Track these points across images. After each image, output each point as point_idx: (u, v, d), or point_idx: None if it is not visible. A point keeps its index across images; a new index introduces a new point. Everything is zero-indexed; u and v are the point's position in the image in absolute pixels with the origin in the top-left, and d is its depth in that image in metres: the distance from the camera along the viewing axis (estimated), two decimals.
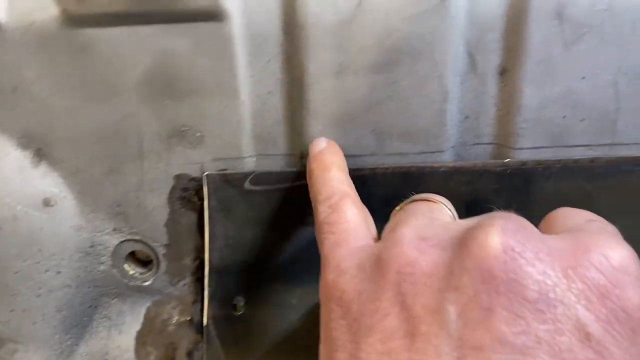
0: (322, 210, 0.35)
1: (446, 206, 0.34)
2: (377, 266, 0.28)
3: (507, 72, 0.41)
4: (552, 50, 0.40)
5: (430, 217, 0.32)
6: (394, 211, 0.36)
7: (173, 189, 0.44)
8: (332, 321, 0.29)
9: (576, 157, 0.42)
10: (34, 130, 0.42)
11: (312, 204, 0.37)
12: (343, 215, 0.34)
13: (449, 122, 0.42)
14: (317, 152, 0.40)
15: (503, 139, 0.43)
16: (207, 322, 0.45)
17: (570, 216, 0.31)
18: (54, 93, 0.41)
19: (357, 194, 0.37)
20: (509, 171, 0.42)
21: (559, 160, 0.42)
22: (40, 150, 0.43)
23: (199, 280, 0.47)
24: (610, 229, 0.30)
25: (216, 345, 0.45)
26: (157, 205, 0.44)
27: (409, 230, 0.29)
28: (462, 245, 0.26)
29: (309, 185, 0.39)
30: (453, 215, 0.34)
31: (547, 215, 0.33)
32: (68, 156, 0.43)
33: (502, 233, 0.26)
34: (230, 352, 0.45)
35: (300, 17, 0.39)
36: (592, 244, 0.26)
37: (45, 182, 0.43)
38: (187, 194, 0.44)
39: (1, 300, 0.45)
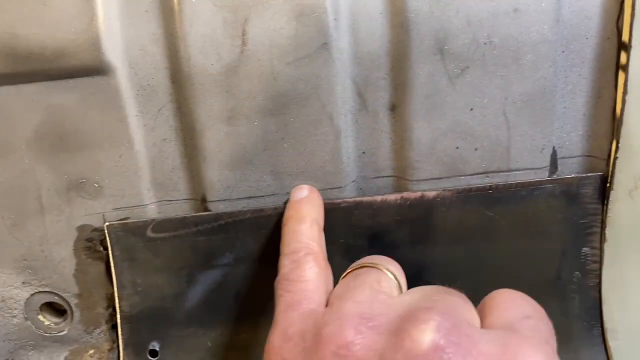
0: (285, 264, 0.36)
1: (395, 275, 0.35)
2: (316, 340, 0.29)
3: (397, 107, 0.42)
4: (437, 84, 0.41)
5: (377, 290, 0.32)
6: (344, 274, 0.36)
7: (77, 240, 0.44)
8: None
9: (474, 186, 0.43)
10: None
11: (280, 253, 0.38)
12: (303, 274, 0.35)
13: (346, 159, 0.43)
14: (295, 201, 0.40)
15: (401, 172, 0.44)
16: None
17: (509, 307, 0.32)
18: None
19: (324, 250, 0.38)
20: (408, 203, 0.43)
21: (457, 190, 0.43)
22: None
23: (114, 327, 0.47)
24: (545, 329, 0.31)
25: None
26: (63, 256, 0.45)
27: (352, 304, 0.30)
28: (397, 336, 0.27)
29: (281, 234, 0.39)
30: (400, 286, 0.35)
31: (490, 297, 0.34)
32: None
33: (436, 331, 0.27)
34: None
35: (185, 68, 0.40)
36: (519, 353, 0.26)
37: None
38: (92, 244, 0.45)
39: None
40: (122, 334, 0.45)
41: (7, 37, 0.38)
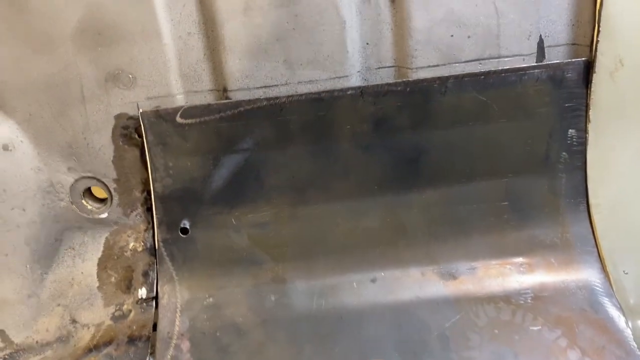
0: None
1: None
2: None
3: None
4: None
5: None
6: None
7: (115, 127, 0.50)
8: None
9: (468, 72, 0.47)
10: None
11: None
12: None
13: (351, 49, 0.48)
14: None
15: (401, 61, 0.48)
16: (158, 245, 0.51)
17: None
18: (1, 48, 0.48)
19: None
20: (408, 89, 0.47)
21: (454, 76, 0.47)
22: None
23: (149, 209, 0.53)
24: None
25: (167, 264, 0.52)
26: (103, 143, 0.51)
27: None
28: None
29: None
30: None
31: None
32: (21, 104, 0.50)
33: None
34: (181, 270, 0.52)
35: None
36: None
37: (3, 129, 0.50)
38: (128, 131, 0.50)
39: None
40: (156, 214, 0.51)
41: None
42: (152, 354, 0.49)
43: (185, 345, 0.49)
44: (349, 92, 0.48)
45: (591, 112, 0.48)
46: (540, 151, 0.49)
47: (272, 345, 0.48)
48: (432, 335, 0.47)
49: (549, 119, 0.48)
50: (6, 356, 0.51)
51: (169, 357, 0.48)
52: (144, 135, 0.50)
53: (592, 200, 0.50)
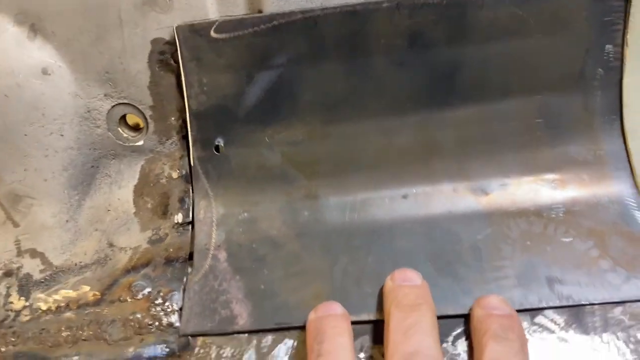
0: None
1: None
2: None
3: None
4: None
5: None
6: None
7: (151, 52, 0.51)
8: None
9: None
10: (26, 7, 0.50)
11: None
12: None
13: None
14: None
15: None
16: (194, 162, 0.53)
17: None
18: None
19: None
20: (445, 2, 0.48)
21: None
22: (34, 25, 0.50)
23: (184, 137, 0.54)
24: None
25: (203, 182, 0.53)
26: (139, 69, 0.52)
27: None
28: None
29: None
30: None
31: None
32: (59, 29, 0.51)
33: None
34: (215, 187, 0.53)
35: None
36: None
37: (42, 53, 0.51)
38: (164, 57, 0.52)
39: (16, 161, 0.53)
40: (190, 130, 0.52)
41: None
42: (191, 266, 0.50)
43: (223, 255, 0.50)
44: (384, 5, 0.48)
45: (629, 36, 0.49)
46: (576, 67, 0.50)
47: (308, 256, 0.49)
48: (464, 247, 0.48)
49: (586, 33, 0.49)
50: (47, 277, 0.52)
51: (207, 266, 0.50)
52: (179, 50, 0.51)
53: (627, 125, 0.51)
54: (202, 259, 0.50)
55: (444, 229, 0.50)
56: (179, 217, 0.54)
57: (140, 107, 0.54)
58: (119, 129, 0.55)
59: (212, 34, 0.49)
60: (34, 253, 0.54)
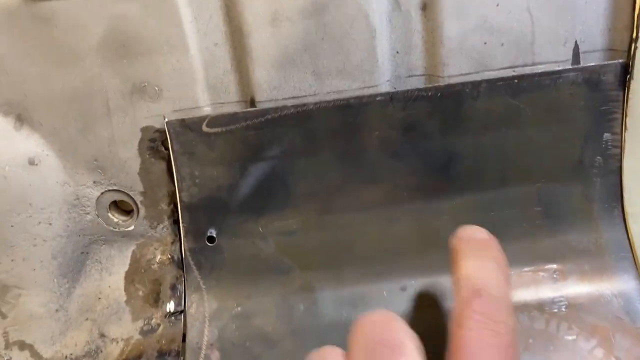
0: None
1: None
2: None
3: (428, 6, 0.46)
4: None
5: None
6: None
7: (141, 140, 0.50)
8: None
9: (500, 76, 0.47)
10: (12, 98, 0.49)
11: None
12: None
13: (381, 58, 0.47)
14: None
15: (433, 70, 0.48)
16: (185, 254, 0.52)
17: None
18: (26, 63, 0.48)
19: None
20: (439, 94, 0.47)
21: (486, 80, 0.47)
22: (21, 115, 0.49)
23: (176, 222, 0.53)
24: None
25: (194, 274, 0.52)
26: (129, 156, 0.51)
27: None
28: None
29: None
30: None
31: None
32: (46, 118, 0.49)
33: None
34: (208, 279, 0.52)
35: None
36: None
37: (29, 143, 0.50)
38: (154, 144, 0.50)
39: (2, 252, 0.52)
40: (182, 222, 0.51)
41: None
42: None
43: (215, 355, 0.49)
44: (378, 98, 0.48)
45: (628, 120, 0.48)
46: (574, 155, 0.49)
47: (302, 355, 0.48)
48: None
49: (583, 122, 0.48)
50: None
51: None
52: (169, 144, 0.49)
53: (628, 209, 0.50)
54: (194, 359, 0.49)
55: (443, 326, 0.49)
56: (170, 306, 0.53)
57: (130, 193, 0.53)
58: (109, 214, 0.54)
59: (204, 128, 0.48)
60: (22, 345, 0.53)
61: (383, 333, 0.33)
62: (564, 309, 0.49)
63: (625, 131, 0.49)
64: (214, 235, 0.52)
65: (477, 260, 0.36)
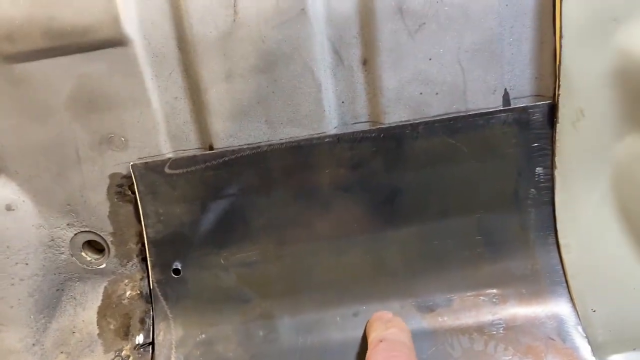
0: None
1: None
2: None
3: (368, 61, 0.51)
4: (399, 39, 0.50)
5: None
6: None
7: (110, 186, 0.54)
8: None
9: (437, 118, 0.51)
10: None
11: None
12: None
13: (328, 108, 0.52)
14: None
15: (375, 117, 0.53)
16: (153, 285, 0.56)
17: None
18: (2, 117, 0.52)
19: None
20: (382, 135, 0.52)
21: (424, 122, 0.52)
22: None
23: (144, 259, 0.58)
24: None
25: (162, 304, 0.56)
26: (99, 200, 0.55)
27: None
28: None
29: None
30: None
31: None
32: (21, 167, 0.54)
33: None
34: (174, 309, 0.56)
35: (189, 36, 0.49)
36: None
37: (6, 190, 0.54)
38: (122, 189, 0.55)
39: None
40: (149, 256, 0.55)
41: (46, 19, 0.48)
42: None
43: None
44: (326, 140, 0.52)
45: (557, 159, 0.53)
46: (510, 188, 0.54)
47: None
48: None
49: (517, 158, 0.53)
50: None
51: None
52: (135, 185, 0.54)
53: (561, 241, 0.54)
54: None
55: None
56: (140, 338, 0.57)
57: (101, 233, 0.57)
58: (83, 253, 0.58)
59: (167, 170, 0.53)
60: None
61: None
62: (501, 331, 0.54)
63: (554, 169, 0.53)
64: (179, 268, 0.56)
65: (382, 326, 0.51)
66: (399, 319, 0.52)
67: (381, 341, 0.47)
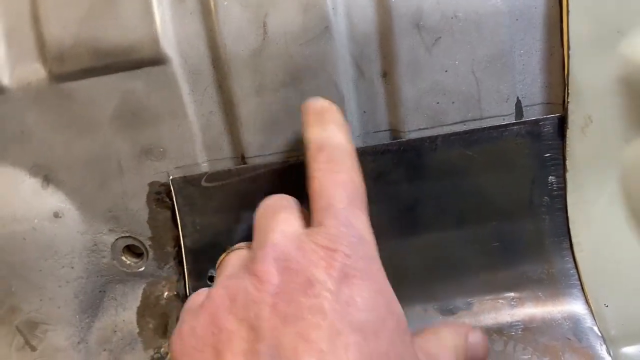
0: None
1: None
2: None
3: (388, 74, 0.55)
4: (417, 53, 0.53)
5: None
6: None
7: (149, 193, 0.59)
8: None
9: (454, 131, 0.55)
10: (40, 161, 0.58)
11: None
12: None
13: (351, 118, 0.56)
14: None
15: (395, 125, 0.56)
16: (189, 292, 0.60)
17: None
18: (51, 132, 0.57)
19: None
20: (402, 148, 0.55)
21: (442, 135, 0.55)
22: (47, 176, 0.59)
23: (180, 263, 0.62)
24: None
25: None
26: (139, 207, 0.60)
27: None
28: None
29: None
30: None
31: None
32: (68, 178, 0.59)
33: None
34: None
35: (222, 54, 0.54)
36: None
37: (54, 199, 0.59)
38: (160, 196, 0.59)
39: (32, 294, 0.61)
40: (186, 264, 0.59)
41: (92, 40, 0.53)
42: None
43: None
44: None
45: (568, 162, 0.55)
46: (524, 197, 0.57)
47: None
48: None
49: (530, 168, 0.56)
50: None
51: None
52: (174, 198, 0.58)
53: (574, 239, 0.57)
54: None
55: None
56: None
57: (140, 238, 0.62)
58: (123, 257, 0.63)
59: (203, 183, 0.57)
60: None
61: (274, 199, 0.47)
62: (520, 332, 0.56)
63: (566, 172, 0.56)
64: (214, 275, 0.60)
65: (319, 125, 0.46)
66: (335, 110, 0.48)
67: (322, 150, 0.44)
